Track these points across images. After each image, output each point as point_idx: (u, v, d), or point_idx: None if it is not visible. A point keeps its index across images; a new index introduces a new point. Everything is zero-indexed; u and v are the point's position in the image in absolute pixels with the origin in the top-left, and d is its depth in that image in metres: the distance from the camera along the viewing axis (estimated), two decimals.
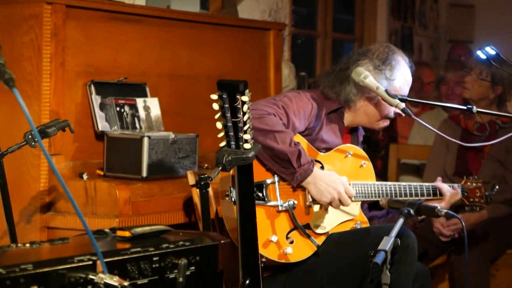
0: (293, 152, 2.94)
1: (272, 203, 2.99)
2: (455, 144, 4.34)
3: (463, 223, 2.97)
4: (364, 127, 3.40)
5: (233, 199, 2.93)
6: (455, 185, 3.44)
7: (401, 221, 2.77)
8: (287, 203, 3.01)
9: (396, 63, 3.25)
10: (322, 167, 3.13)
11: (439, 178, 3.41)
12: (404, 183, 3.33)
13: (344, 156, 3.22)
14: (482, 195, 3.53)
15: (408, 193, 3.29)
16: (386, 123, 3.33)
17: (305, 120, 3.12)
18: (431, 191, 3.35)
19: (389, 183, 3.29)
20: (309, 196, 3.06)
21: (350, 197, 3.07)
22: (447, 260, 4.43)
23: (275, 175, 3.01)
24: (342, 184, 3.06)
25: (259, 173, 2.97)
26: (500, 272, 4.45)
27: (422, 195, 3.33)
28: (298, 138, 3.10)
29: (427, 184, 3.37)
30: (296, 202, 3.03)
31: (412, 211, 2.83)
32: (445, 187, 3.36)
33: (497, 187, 3.54)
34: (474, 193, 3.51)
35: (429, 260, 4.44)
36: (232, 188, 2.95)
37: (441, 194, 3.35)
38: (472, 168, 4.51)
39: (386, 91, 3.14)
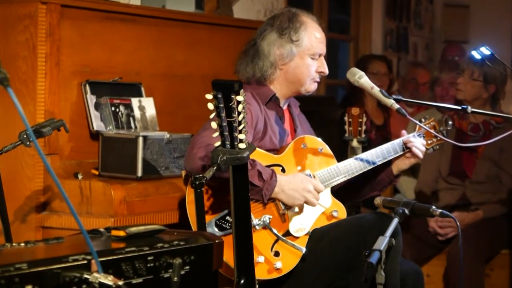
0: (252, 175, 2.88)
1: None
2: (449, 144, 4.34)
3: (458, 223, 2.97)
4: (299, 95, 3.32)
5: None
6: (414, 133, 3.40)
7: (395, 221, 2.77)
8: (262, 220, 3.00)
9: (300, 24, 3.18)
10: (283, 169, 3.11)
11: (403, 132, 3.39)
12: (366, 152, 3.30)
13: (300, 150, 3.19)
14: (438, 131, 3.50)
15: (375, 159, 3.28)
16: (314, 85, 3.24)
17: (251, 128, 3.05)
18: (397, 148, 3.33)
19: (351, 159, 3.26)
20: (281, 204, 3.05)
21: (319, 192, 3.06)
22: (441, 260, 4.43)
23: None
24: (310, 181, 3.05)
25: (224, 202, 2.95)
26: (495, 272, 4.45)
27: (390, 154, 3.31)
28: None
29: (389, 143, 3.34)
30: (270, 216, 3.02)
31: (406, 211, 2.83)
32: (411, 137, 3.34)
33: (450, 122, 3.52)
34: (430, 134, 3.48)
35: (424, 260, 4.44)
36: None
37: (407, 148, 3.34)
38: (466, 168, 4.51)
39: (381, 91, 3.13)
